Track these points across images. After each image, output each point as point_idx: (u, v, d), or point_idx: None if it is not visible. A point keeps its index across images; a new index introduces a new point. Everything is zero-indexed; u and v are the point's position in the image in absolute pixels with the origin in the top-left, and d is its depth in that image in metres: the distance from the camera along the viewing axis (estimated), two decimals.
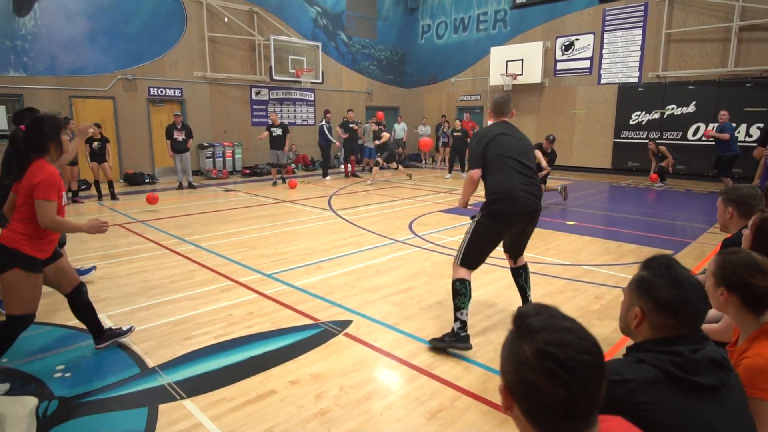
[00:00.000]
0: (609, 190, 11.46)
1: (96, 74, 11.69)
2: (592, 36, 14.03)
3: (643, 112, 13.30)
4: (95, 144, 9.52)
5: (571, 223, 7.59)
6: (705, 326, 2.33)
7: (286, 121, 13.28)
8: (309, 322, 3.86)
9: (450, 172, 13.82)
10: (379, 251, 5.94)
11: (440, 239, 6.49)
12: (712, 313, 2.37)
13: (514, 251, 3.73)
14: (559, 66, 14.82)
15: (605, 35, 13.78)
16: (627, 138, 13.68)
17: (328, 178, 13.06)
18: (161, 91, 12.81)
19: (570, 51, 14.53)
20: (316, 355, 3.33)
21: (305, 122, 16.03)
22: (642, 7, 13.07)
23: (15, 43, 10.54)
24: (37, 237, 2.86)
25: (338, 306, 4.19)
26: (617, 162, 13.94)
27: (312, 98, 16.17)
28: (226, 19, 13.68)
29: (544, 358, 0.89)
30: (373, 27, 17.72)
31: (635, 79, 13.41)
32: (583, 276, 5.01)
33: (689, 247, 6.12)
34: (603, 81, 14.00)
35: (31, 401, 2.74)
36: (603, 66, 13.93)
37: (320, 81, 15.62)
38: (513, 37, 15.76)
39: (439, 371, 3.11)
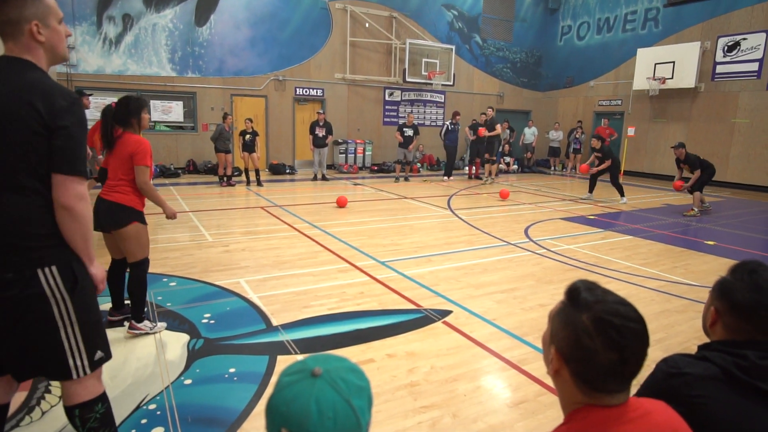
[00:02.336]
0: None
1: (253, 75, 13.29)
2: (764, 35, 12.31)
3: None
4: (247, 136, 10.89)
5: (710, 243, 6.88)
6: None
7: (415, 122, 13.84)
8: (412, 307, 4.16)
9: (590, 191, 10.69)
10: (489, 251, 6.04)
11: (555, 246, 6.37)
12: None
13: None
14: (719, 69, 13.24)
15: None
16: None
17: (451, 178, 13.30)
18: (305, 91, 14.12)
19: (734, 52, 12.91)
20: (414, 336, 3.61)
21: (434, 123, 16.41)
22: None
23: (194, 48, 12.46)
24: (140, 196, 3.36)
25: (441, 296, 4.42)
26: None
27: (442, 100, 16.50)
28: (367, 25, 14.59)
29: (603, 325, 1.01)
30: (510, 29, 17.47)
31: None
32: None
33: None
34: None
35: (185, 337, 3.44)
36: None
37: (451, 83, 15.87)
38: (665, 38, 14.44)
39: (529, 367, 3.20)
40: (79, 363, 1.71)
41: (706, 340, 3.88)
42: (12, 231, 1.57)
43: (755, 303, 1.31)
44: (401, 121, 13.93)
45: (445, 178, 13.34)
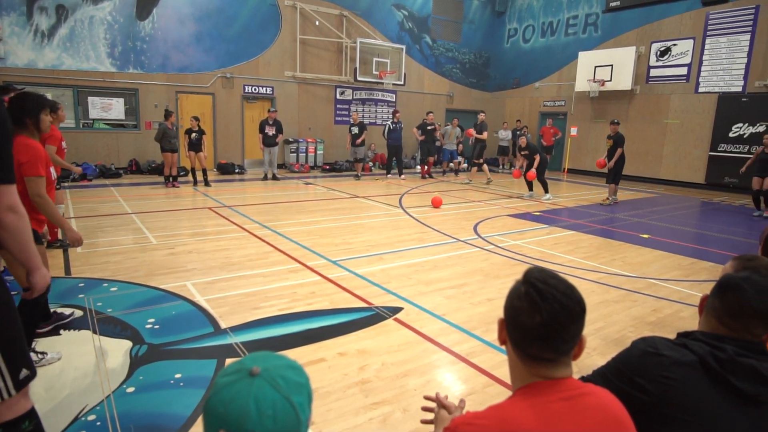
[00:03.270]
0: (699, 206, 10.75)
1: (199, 72, 12.90)
2: (691, 41, 13.17)
3: (746, 124, 12.27)
4: (193, 135, 10.55)
5: (645, 236, 7.30)
6: None
7: (366, 121, 13.96)
8: (363, 305, 4.18)
9: (531, 189, 10.84)
10: (440, 248, 6.14)
11: (503, 242, 6.56)
12: None
13: None
14: (653, 72, 14.06)
15: (707, 40, 12.87)
16: (725, 152, 12.69)
17: (403, 176, 13.46)
18: (254, 89, 13.84)
19: (666, 57, 13.74)
20: (366, 334, 3.63)
21: (385, 122, 16.46)
22: (752, 11, 12.07)
23: (135, 43, 11.94)
24: (32, 211, 2.83)
25: (393, 294, 4.47)
26: (712, 177, 12.98)
27: (393, 99, 16.60)
28: (317, 23, 14.47)
29: (531, 289, 1.11)
30: (458, 30, 17.81)
31: (739, 88, 12.42)
32: (646, 288, 4.89)
33: None
34: (701, 89, 13.10)
35: (127, 344, 3.30)
36: (702, 73, 13.03)
37: (402, 83, 16.00)
38: (604, 42, 15.18)
39: (477, 360, 3.29)
40: (1, 385, 1.57)
41: (643, 329, 4.06)
42: None
43: (733, 284, 1.33)
44: (351, 121, 14.01)
45: (388, 176, 13.60)
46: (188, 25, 12.54)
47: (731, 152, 12.56)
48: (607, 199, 10.25)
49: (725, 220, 9.07)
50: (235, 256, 5.48)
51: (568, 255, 6.03)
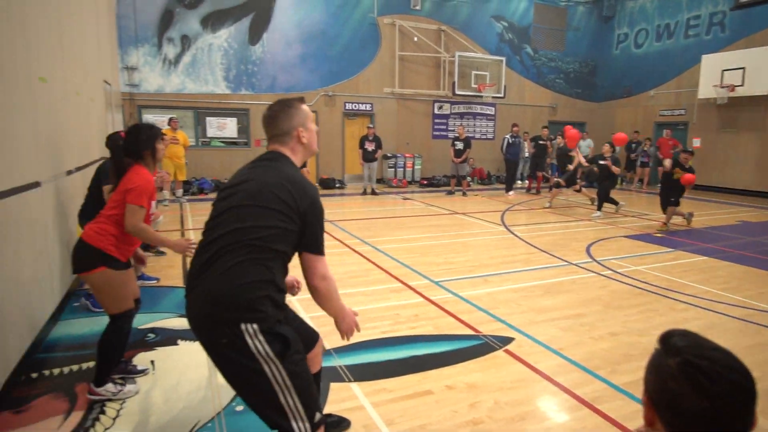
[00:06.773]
0: None
1: (304, 91, 13.49)
2: None
3: None
4: None
5: None
6: None
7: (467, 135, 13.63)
8: (470, 332, 3.92)
9: (599, 209, 9.98)
10: (549, 272, 5.70)
11: (621, 267, 5.94)
12: None
13: None
14: None
15: None
16: None
17: (511, 193, 12.92)
18: (354, 106, 14.17)
19: None
20: (474, 365, 3.37)
21: (484, 136, 16.08)
22: None
23: (247, 66, 12.79)
24: (123, 240, 2.84)
25: (501, 321, 4.16)
26: None
27: (493, 112, 16.15)
28: (416, 39, 14.53)
29: (688, 368, 0.91)
30: (562, 38, 16.95)
31: None
32: None
33: None
34: None
35: None
36: None
37: (502, 95, 15.52)
38: (732, 42, 13.55)
39: (605, 407, 2.89)
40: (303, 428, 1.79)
41: None
42: None
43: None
44: (453, 135, 13.72)
45: (510, 193, 12.94)
46: (294, 47, 13.20)
47: None
48: (665, 224, 8.43)
49: None
50: (336, 272, 5.48)
51: (703, 285, 5.28)
